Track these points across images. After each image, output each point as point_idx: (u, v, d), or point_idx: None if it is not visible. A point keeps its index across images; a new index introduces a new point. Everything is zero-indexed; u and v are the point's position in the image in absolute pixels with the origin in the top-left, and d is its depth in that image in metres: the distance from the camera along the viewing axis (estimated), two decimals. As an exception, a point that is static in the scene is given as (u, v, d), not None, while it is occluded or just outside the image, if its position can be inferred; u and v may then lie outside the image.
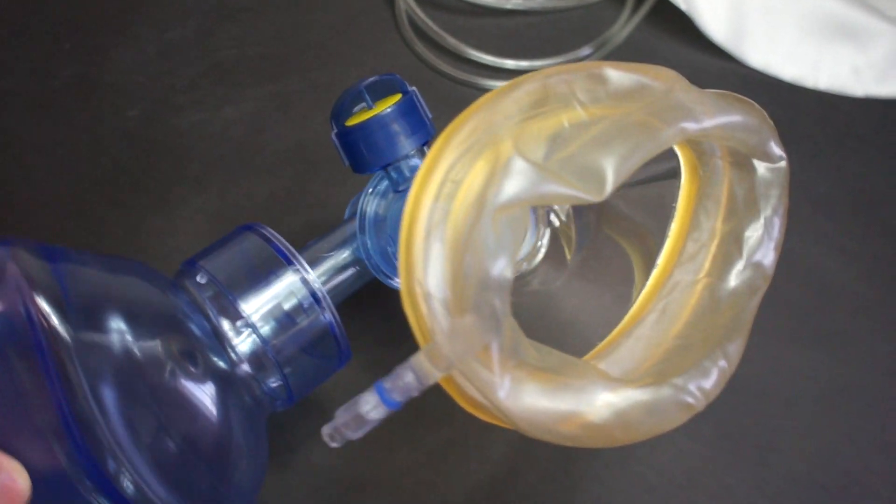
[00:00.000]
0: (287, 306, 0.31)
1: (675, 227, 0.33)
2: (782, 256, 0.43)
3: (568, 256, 0.36)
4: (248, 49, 0.52)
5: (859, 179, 0.48)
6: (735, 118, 0.29)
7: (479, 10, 0.56)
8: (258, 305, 0.30)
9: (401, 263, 0.25)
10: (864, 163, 0.49)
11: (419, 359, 0.24)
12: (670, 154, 0.32)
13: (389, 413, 0.25)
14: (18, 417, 0.23)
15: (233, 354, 0.30)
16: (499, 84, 0.39)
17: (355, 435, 0.25)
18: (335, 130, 0.34)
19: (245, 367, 0.30)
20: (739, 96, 0.30)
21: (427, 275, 0.24)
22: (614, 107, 0.27)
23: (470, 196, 0.25)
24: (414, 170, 0.34)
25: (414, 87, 0.35)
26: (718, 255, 0.32)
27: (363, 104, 0.34)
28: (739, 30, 0.53)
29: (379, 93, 0.34)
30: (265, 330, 0.30)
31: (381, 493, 0.35)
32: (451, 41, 0.52)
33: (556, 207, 0.35)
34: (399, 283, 0.25)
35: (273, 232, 0.32)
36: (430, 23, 0.53)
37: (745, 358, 0.39)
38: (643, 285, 0.33)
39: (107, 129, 0.48)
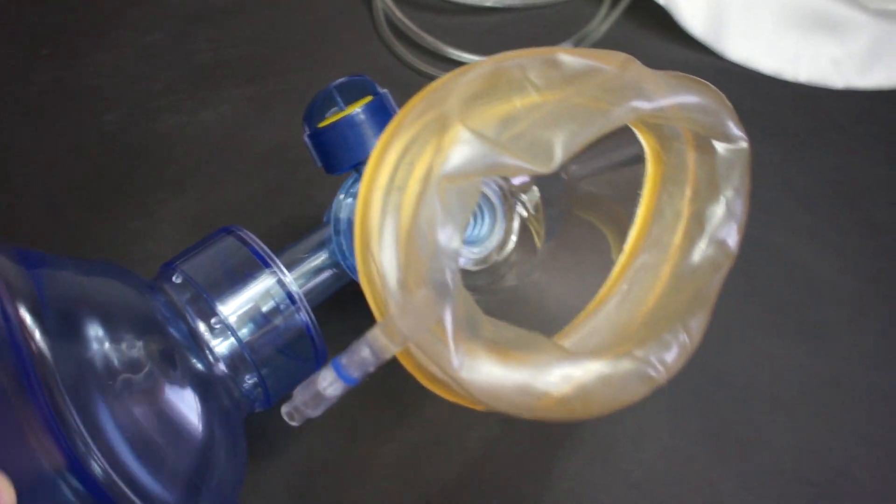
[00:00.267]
0: (264, 308, 0.31)
1: (640, 212, 0.33)
2: (765, 250, 0.43)
3: (538, 246, 0.36)
4: (226, 51, 0.52)
5: (841, 171, 0.48)
6: (690, 98, 0.29)
7: (457, 9, 0.56)
8: (235, 307, 0.30)
9: (356, 242, 0.26)
10: (845, 155, 0.49)
11: (374, 333, 0.25)
12: (635, 139, 0.32)
13: (347, 389, 0.25)
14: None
15: (210, 356, 0.30)
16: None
17: (314, 413, 0.25)
18: (307, 132, 0.35)
19: (223, 369, 0.30)
20: (696, 78, 0.30)
21: (382, 251, 0.25)
22: (567, 90, 0.27)
23: (421, 172, 0.25)
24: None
25: (386, 90, 0.35)
26: (683, 236, 0.32)
27: (336, 108, 0.35)
28: (718, 24, 0.53)
29: (352, 95, 0.35)
30: (242, 331, 0.30)
31: (362, 493, 0.35)
32: (430, 40, 0.52)
33: (523, 198, 0.35)
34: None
35: (251, 234, 0.32)
36: (407, 22, 0.53)
37: (729, 352, 0.39)
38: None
39: (85, 133, 0.47)
